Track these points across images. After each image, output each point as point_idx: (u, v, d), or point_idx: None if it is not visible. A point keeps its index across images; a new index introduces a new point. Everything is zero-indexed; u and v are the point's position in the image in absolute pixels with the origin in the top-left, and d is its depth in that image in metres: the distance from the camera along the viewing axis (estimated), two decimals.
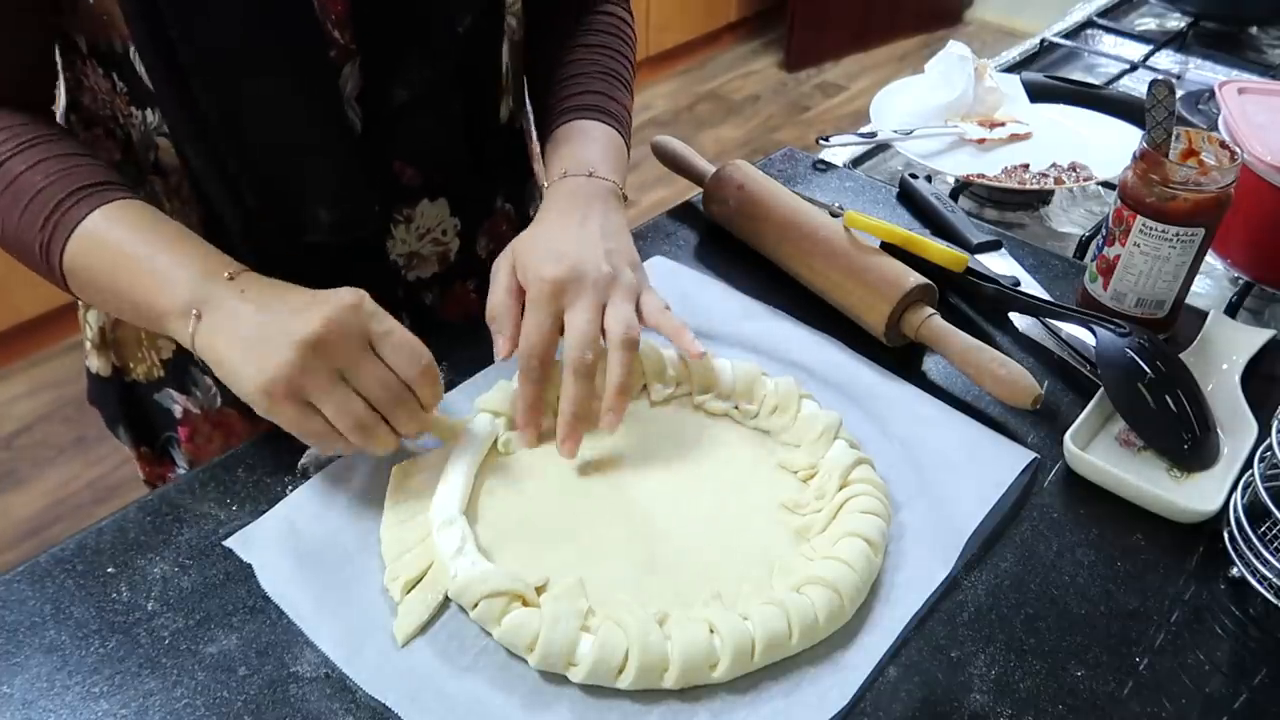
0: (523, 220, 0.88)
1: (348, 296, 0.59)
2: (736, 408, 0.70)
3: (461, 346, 0.75)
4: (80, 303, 0.83)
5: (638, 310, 0.67)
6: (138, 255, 0.61)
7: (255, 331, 0.57)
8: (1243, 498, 0.62)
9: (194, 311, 0.59)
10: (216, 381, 0.80)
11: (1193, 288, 0.81)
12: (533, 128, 0.87)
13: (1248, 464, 0.65)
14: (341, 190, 0.72)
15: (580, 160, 0.73)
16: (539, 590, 0.56)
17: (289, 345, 0.56)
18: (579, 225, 0.68)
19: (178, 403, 0.82)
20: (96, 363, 0.84)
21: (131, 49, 0.64)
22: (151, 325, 0.62)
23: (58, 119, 0.72)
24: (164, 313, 0.60)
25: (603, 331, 0.65)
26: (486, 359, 0.73)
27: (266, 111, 0.67)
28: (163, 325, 0.61)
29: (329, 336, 0.57)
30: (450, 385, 0.72)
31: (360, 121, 0.71)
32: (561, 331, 0.65)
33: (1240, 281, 0.94)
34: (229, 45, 0.63)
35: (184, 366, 0.80)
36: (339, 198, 0.72)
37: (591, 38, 0.83)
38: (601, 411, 0.64)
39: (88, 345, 0.85)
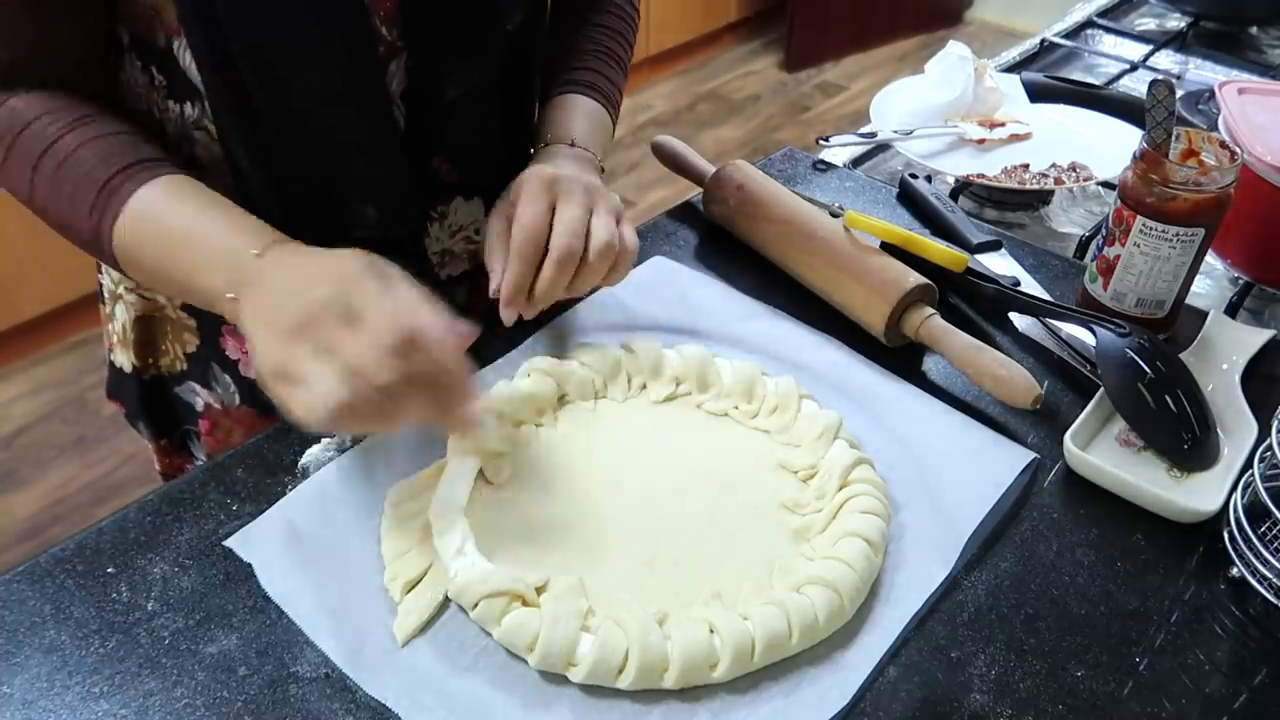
0: None
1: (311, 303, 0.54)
2: (736, 407, 0.70)
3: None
4: (106, 297, 0.83)
5: None
6: (182, 236, 0.60)
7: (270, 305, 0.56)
8: (1243, 498, 0.62)
9: (229, 295, 0.59)
10: (235, 379, 0.80)
11: (1193, 288, 0.81)
12: None
13: (1248, 464, 0.65)
14: (388, 187, 0.72)
15: (564, 131, 0.77)
16: (539, 590, 0.56)
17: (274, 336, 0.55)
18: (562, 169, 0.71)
19: (200, 396, 0.83)
20: (120, 357, 0.84)
21: (176, 43, 0.65)
22: (209, 308, 0.62)
23: None
24: (213, 298, 0.60)
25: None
26: (486, 359, 0.74)
27: (315, 106, 0.67)
28: (217, 310, 0.61)
29: (306, 326, 0.53)
30: None
31: (404, 118, 0.71)
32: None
33: (1240, 281, 0.94)
34: (279, 39, 0.63)
35: (206, 361, 0.80)
36: (385, 194, 0.72)
37: (596, 16, 0.86)
38: (532, 298, 0.67)
39: (113, 340, 0.85)
